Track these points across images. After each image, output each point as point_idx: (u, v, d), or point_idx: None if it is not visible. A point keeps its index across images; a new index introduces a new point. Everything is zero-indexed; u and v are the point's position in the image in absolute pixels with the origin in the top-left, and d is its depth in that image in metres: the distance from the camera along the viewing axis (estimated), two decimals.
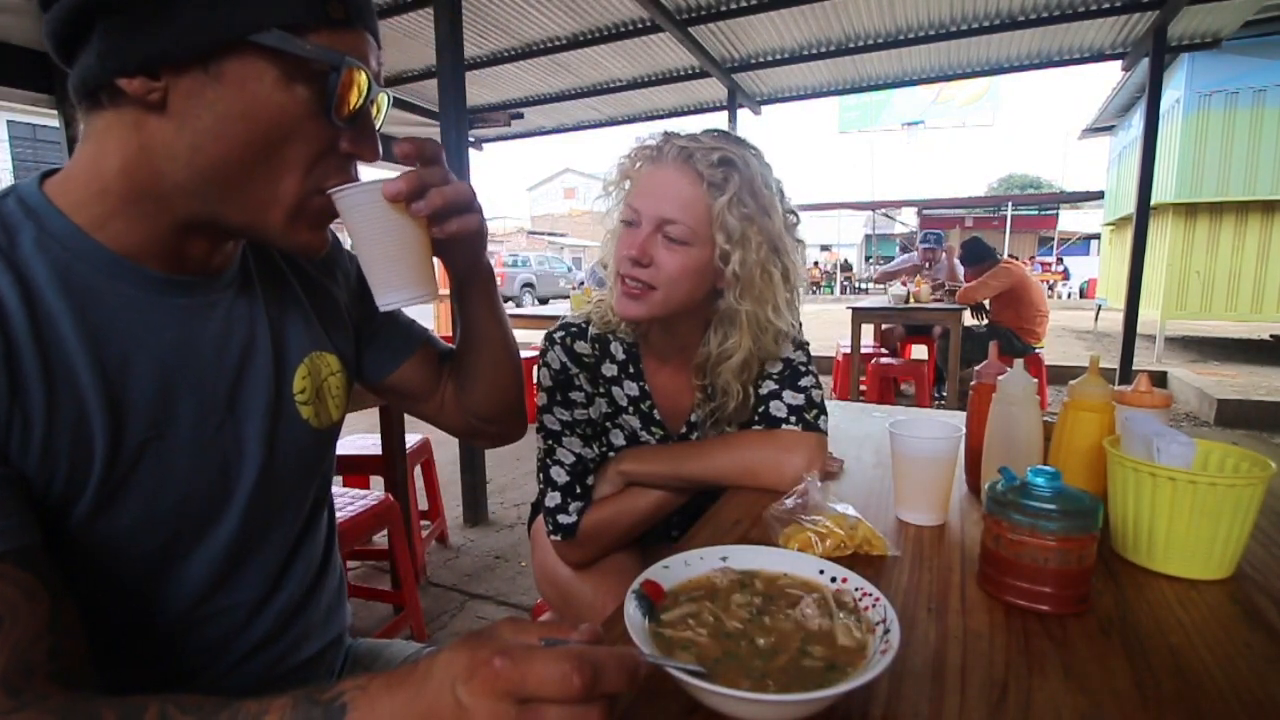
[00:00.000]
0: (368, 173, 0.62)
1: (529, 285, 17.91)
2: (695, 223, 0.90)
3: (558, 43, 4.66)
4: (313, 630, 0.74)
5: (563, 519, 0.99)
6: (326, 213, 0.59)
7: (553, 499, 1.00)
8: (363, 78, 0.55)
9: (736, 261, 0.91)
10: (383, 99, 0.61)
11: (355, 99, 0.56)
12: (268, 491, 0.65)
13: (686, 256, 0.91)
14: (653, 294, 0.91)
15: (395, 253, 0.59)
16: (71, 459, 0.51)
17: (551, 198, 44.87)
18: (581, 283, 7.29)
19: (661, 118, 6.27)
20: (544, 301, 16.74)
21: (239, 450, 0.63)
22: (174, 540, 0.59)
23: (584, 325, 1.03)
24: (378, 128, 0.62)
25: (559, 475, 1.00)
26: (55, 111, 3.46)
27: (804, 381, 1.02)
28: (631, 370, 1.03)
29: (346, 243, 0.74)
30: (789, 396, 1.00)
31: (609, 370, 1.03)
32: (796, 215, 1.00)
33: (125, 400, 0.54)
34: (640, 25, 4.39)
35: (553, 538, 1.01)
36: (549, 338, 1.02)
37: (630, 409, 1.04)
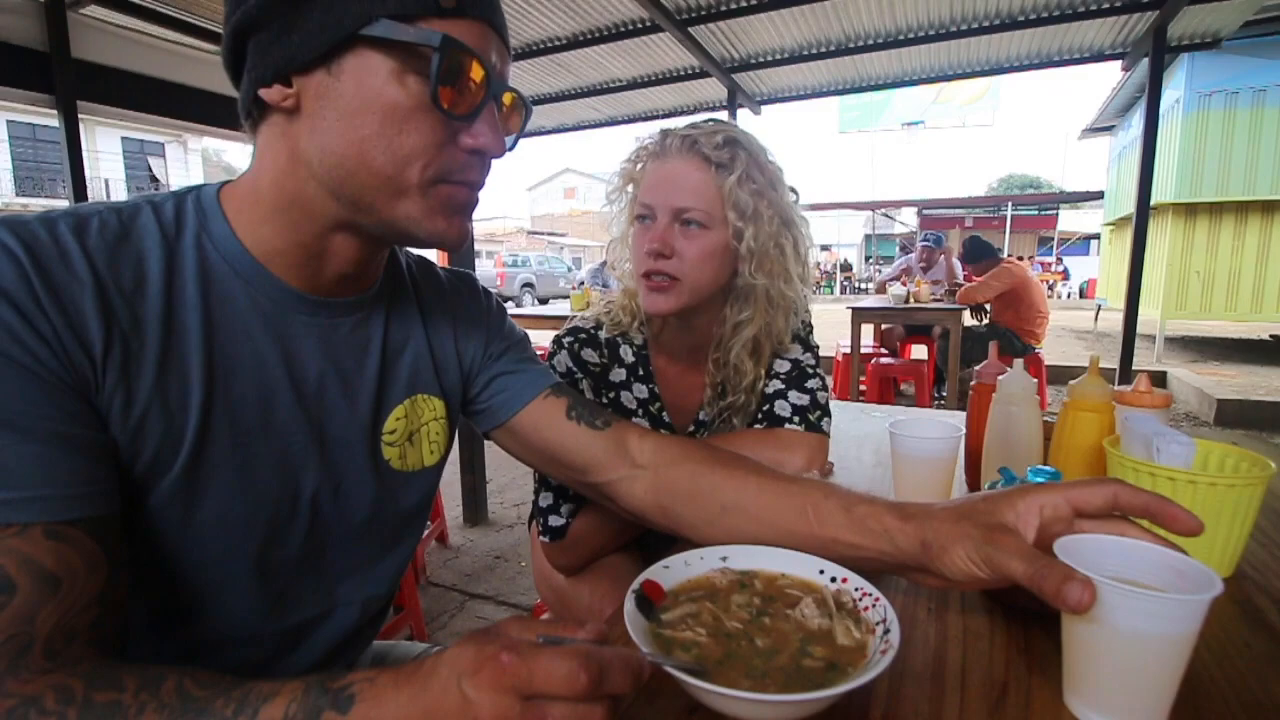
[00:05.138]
0: (499, 165, 0.60)
1: (529, 285, 17.89)
2: (709, 205, 0.91)
3: (558, 43, 4.66)
4: (354, 661, 0.73)
5: (553, 520, 0.99)
6: (458, 201, 0.58)
7: (545, 499, 1.00)
8: (472, 64, 0.53)
9: (750, 236, 0.93)
10: (509, 97, 0.59)
11: (462, 84, 0.53)
12: (328, 521, 0.64)
13: (705, 240, 0.92)
14: (678, 285, 0.92)
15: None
16: (159, 446, 0.52)
17: (551, 198, 44.85)
18: (581, 283, 7.28)
19: (661, 117, 6.26)
20: (544, 301, 16.73)
21: (311, 475, 0.62)
22: (232, 554, 0.58)
23: (593, 330, 1.03)
24: (520, 130, 0.61)
25: None
26: (55, 111, 3.45)
27: (810, 383, 1.02)
28: (641, 372, 1.03)
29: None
30: (794, 397, 1.01)
31: (617, 375, 1.03)
32: (796, 193, 1.01)
33: (225, 402, 0.55)
34: (640, 25, 4.39)
35: (541, 539, 1.01)
36: (557, 341, 1.02)
37: (639, 411, 1.04)
